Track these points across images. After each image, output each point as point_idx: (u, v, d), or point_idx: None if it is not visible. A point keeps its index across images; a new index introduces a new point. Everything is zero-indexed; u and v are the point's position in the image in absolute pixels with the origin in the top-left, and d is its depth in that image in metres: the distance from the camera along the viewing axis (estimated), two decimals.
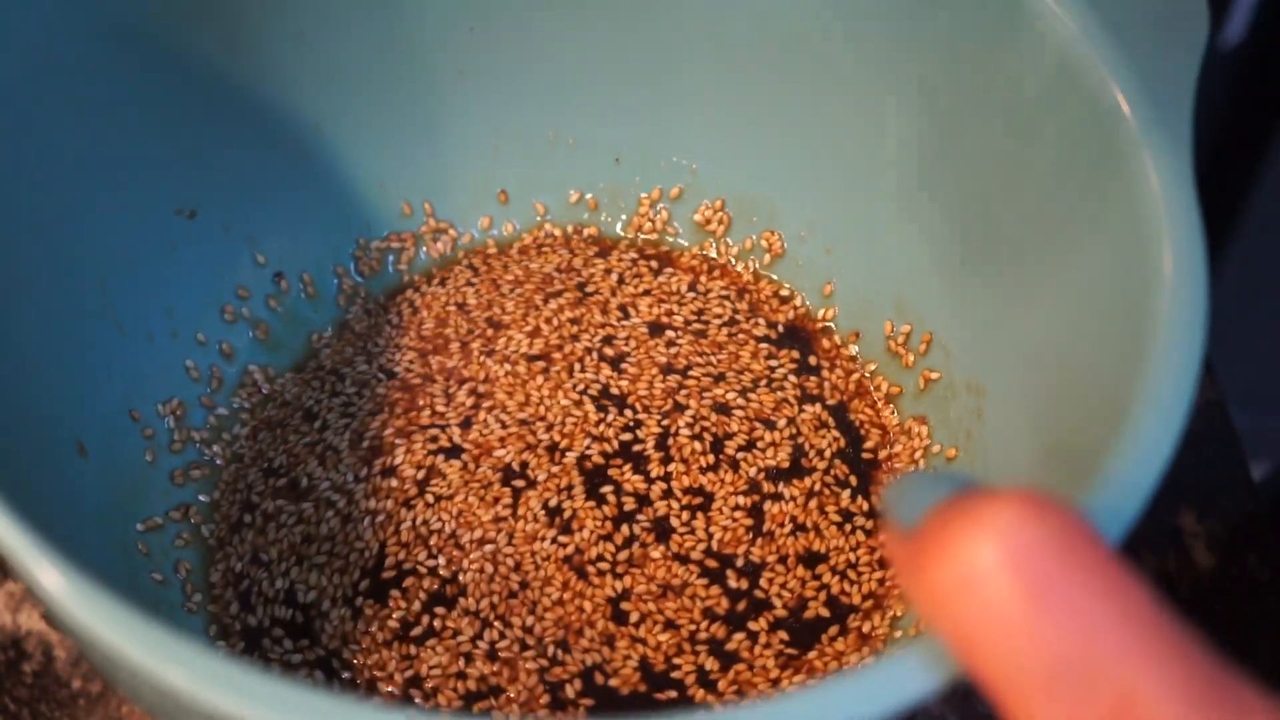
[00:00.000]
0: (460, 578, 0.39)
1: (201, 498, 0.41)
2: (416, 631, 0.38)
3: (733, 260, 0.46)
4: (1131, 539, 0.44)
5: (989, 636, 0.21)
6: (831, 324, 0.45)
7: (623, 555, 0.40)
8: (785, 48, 0.42)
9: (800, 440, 0.42)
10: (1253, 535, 0.47)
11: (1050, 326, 0.36)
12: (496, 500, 0.40)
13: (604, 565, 0.40)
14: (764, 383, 0.43)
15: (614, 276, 0.46)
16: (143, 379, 0.41)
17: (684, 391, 0.43)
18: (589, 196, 0.47)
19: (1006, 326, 0.39)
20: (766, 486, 0.41)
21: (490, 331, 0.44)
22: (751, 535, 0.40)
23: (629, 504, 0.41)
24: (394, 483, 0.40)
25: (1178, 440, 0.28)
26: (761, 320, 0.45)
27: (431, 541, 0.40)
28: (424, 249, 0.46)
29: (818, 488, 0.41)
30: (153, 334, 0.41)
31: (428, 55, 0.43)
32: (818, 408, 0.43)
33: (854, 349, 0.44)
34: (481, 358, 0.43)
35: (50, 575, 0.24)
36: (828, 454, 0.42)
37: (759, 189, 0.46)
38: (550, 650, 0.38)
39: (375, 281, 0.46)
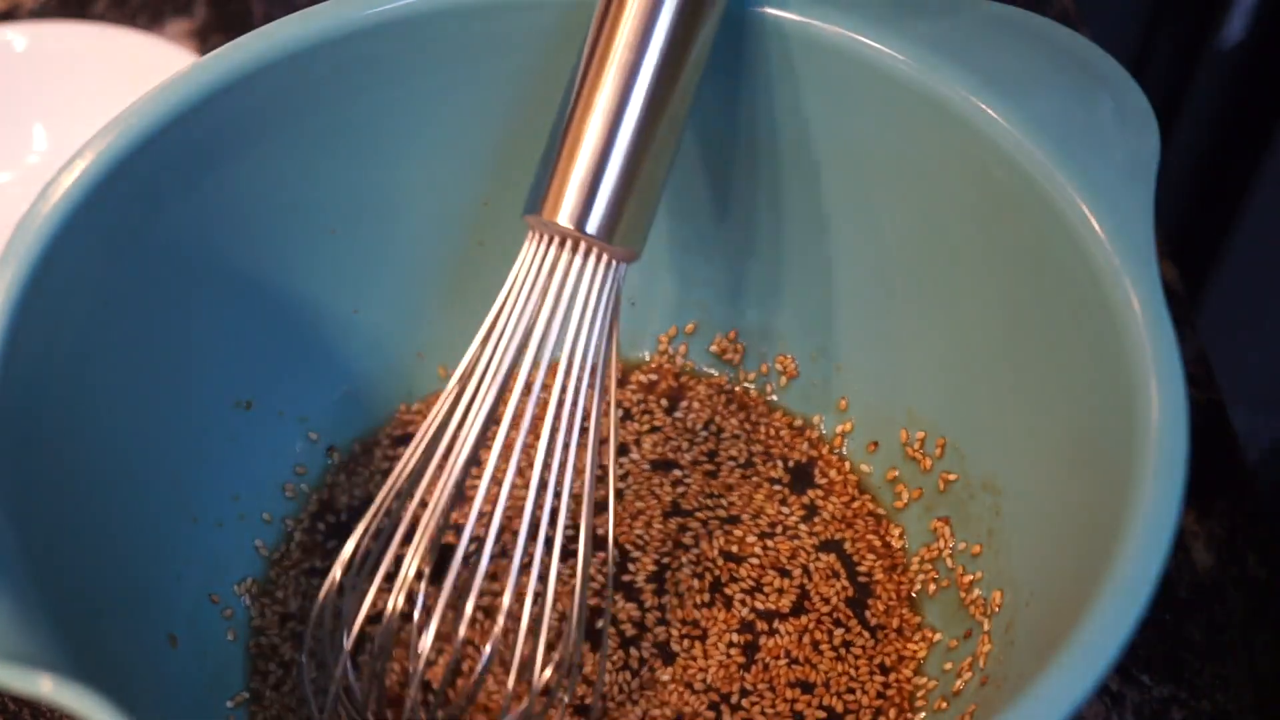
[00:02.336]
0: None
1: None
2: None
3: (750, 387, 0.49)
4: None
5: None
6: (850, 437, 0.48)
7: (635, 683, 0.43)
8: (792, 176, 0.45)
9: (809, 588, 0.45)
10: (1252, 535, 0.49)
11: (1049, 426, 0.39)
12: None
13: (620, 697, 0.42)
14: (780, 530, 0.46)
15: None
16: (218, 563, 0.44)
17: (689, 533, 0.46)
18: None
19: (1012, 427, 0.41)
20: (760, 625, 0.44)
21: None
22: (742, 671, 0.43)
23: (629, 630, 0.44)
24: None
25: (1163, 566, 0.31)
26: (778, 461, 0.48)
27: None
28: None
29: (812, 626, 0.44)
30: (223, 521, 0.44)
31: (449, 231, 0.47)
32: (832, 557, 0.45)
33: (867, 466, 0.47)
34: None
35: None
36: (833, 601, 0.44)
37: (767, 317, 0.49)
38: None
39: None
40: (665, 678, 0.43)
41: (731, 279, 0.48)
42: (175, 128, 0.38)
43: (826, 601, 0.44)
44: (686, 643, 0.43)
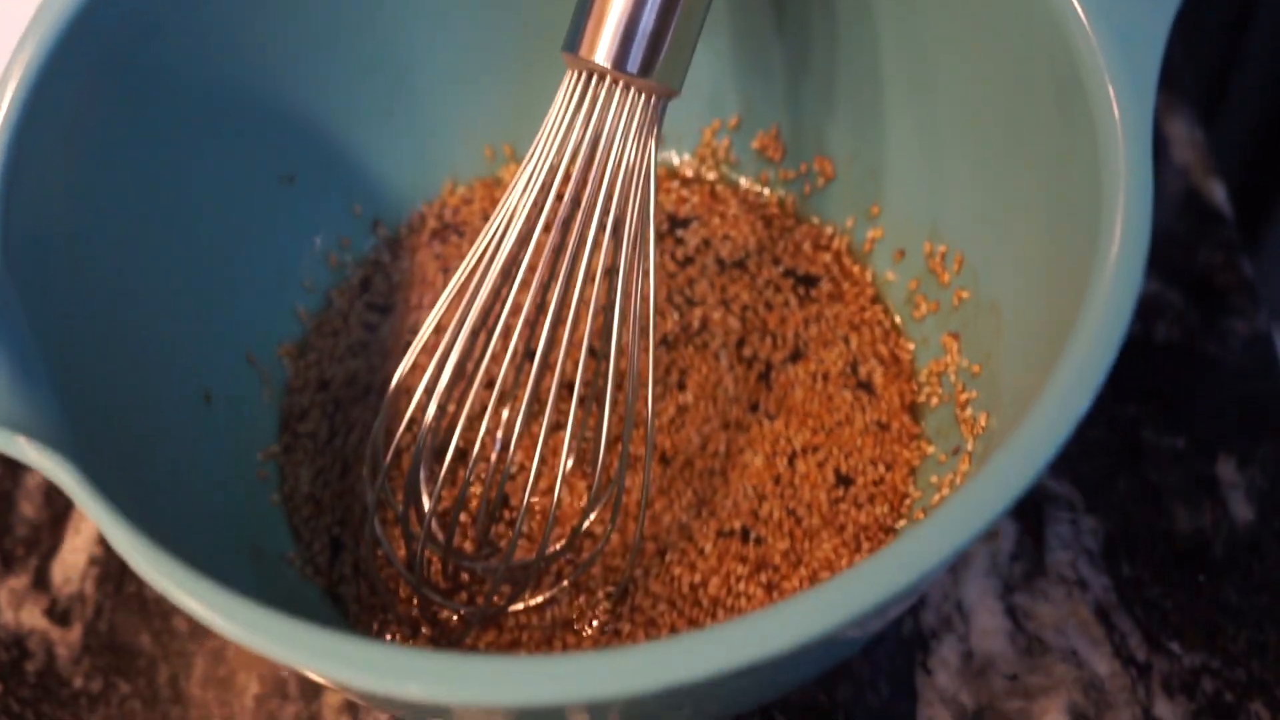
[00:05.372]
0: None
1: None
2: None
3: (783, 194, 0.50)
4: (1163, 494, 0.45)
5: None
6: (879, 244, 0.47)
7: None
8: None
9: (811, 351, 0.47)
10: None
11: (1044, 254, 0.38)
12: None
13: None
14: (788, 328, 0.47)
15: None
16: (257, 326, 0.46)
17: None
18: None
19: (1017, 252, 0.41)
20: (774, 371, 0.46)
21: None
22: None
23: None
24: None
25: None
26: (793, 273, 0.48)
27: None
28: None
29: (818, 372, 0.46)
30: (264, 286, 0.47)
31: (498, 13, 0.47)
32: (835, 352, 0.46)
33: (892, 275, 0.47)
34: None
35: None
36: (833, 372, 0.46)
37: (809, 117, 0.48)
38: None
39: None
40: (689, 399, 0.45)
41: (779, 75, 0.48)
42: None
43: (826, 375, 0.46)
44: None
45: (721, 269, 0.48)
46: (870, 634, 0.40)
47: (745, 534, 0.43)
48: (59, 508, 0.48)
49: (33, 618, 0.45)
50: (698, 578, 0.42)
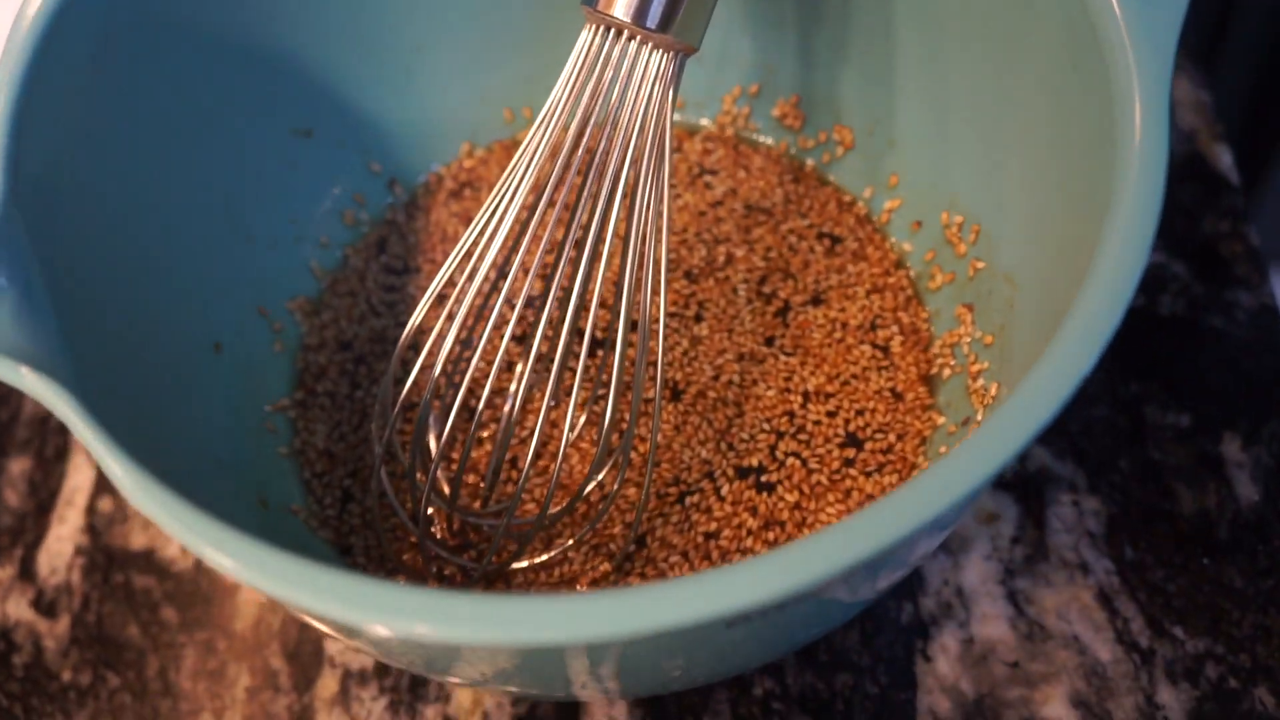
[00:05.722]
0: None
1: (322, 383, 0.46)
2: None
3: (806, 159, 0.50)
4: (1166, 474, 0.44)
5: None
6: (896, 214, 0.47)
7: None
8: None
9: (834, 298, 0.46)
10: None
11: (1056, 209, 0.38)
12: None
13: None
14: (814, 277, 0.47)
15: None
16: (270, 280, 0.47)
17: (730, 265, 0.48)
18: (678, 98, 0.50)
19: (1034, 223, 0.40)
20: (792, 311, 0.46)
21: None
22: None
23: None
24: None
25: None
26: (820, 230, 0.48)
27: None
28: None
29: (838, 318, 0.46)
30: (278, 241, 0.47)
31: None
32: (858, 306, 0.46)
33: (909, 245, 0.47)
34: None
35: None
36: (853, 322, 0.46)
37: (830, 86, 0.48)
38: None
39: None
40: (703, 331, 0.46)
41: (799, 44, 0.47)
42: None
43: (845, 324, 0.46)
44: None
45: (748, 212, 0.49)
46: (864, 600, 0.39)
47: (760, 476, 0.43)
48: (43, 496, 0.47)
49: (19, 609, 0.45)
50: (713, 526, 0.42)
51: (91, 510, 0.47)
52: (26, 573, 0.46)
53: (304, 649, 0.43)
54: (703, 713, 0.41)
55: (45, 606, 0.45)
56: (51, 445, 0.49)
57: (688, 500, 0.42)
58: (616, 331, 0.40)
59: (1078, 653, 0.42)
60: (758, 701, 0.41)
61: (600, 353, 0.45)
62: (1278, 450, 0.45)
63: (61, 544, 0.46)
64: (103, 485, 0.48)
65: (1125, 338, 0.48)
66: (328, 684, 0.43)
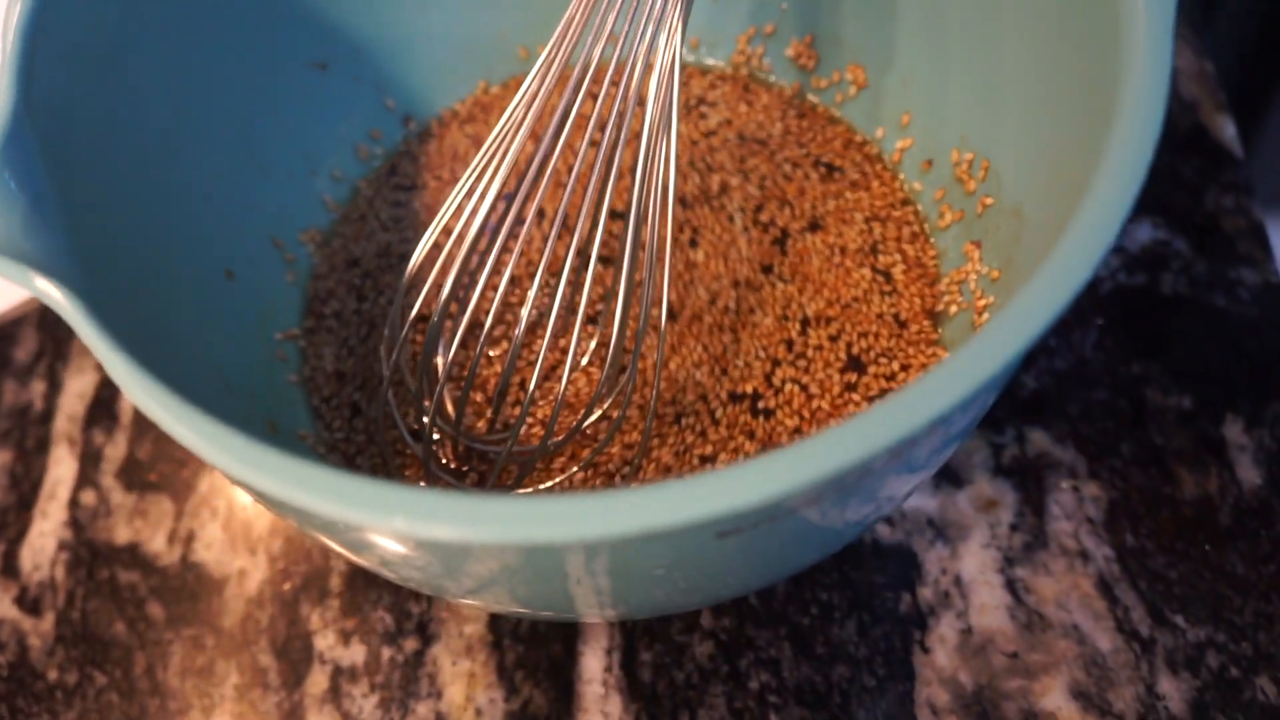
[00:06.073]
0: None
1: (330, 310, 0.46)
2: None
3: (817, 101, 0.49)
4: (1168, 458, 0.43)
5: None
6: (908, 153, 0.46)
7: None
8: None
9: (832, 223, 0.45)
10: None
11: (1063, 137, 0.36)
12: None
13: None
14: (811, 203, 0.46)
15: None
16: (284, 212, 0.47)
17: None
18: (691, 37, 0.49)
19: (1039, 147, 0.39)
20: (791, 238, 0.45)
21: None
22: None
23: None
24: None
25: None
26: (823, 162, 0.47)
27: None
28: None
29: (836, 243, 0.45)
30: (292, 172, 0.47)
31: None
32: (859, 232, 0.45)
33: (919, 184, 0.46)
34: None
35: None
36: (851, 247, 0.45)
37: (843, 25, 0.47)
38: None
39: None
40: (699, 257, 0.45)
41: None
42: None
43: (844, 249, 0.45)
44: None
45: (742, 142, 0.48)
46: (856, 524, 0.37)
47: (756, 402, 0.42)
48: (25, 489, 0.47)
49: (3, 607, 0.44)
50: (709, 449, 0.41)
51: (74, 504, 0.46)
52: (9, 569, 0.45)
53: (293, 645, 0.43)
54: (698, 707, 0.41)
55: (29, 604, 0.44)
56: (32, 437, 0.48)
57: (683, 421, 0.42)
58: (623, 254, 0.39)
59: (1077, 642, 0.41)
60: (754, 695, 0.41)
61: (608, 280, 0.45)
62: None
63: (44, 539, 0.45)
64: (85, 478, 0.47)
65: (1125, 317, 0.47)
66: (317, 681, 0.42)
